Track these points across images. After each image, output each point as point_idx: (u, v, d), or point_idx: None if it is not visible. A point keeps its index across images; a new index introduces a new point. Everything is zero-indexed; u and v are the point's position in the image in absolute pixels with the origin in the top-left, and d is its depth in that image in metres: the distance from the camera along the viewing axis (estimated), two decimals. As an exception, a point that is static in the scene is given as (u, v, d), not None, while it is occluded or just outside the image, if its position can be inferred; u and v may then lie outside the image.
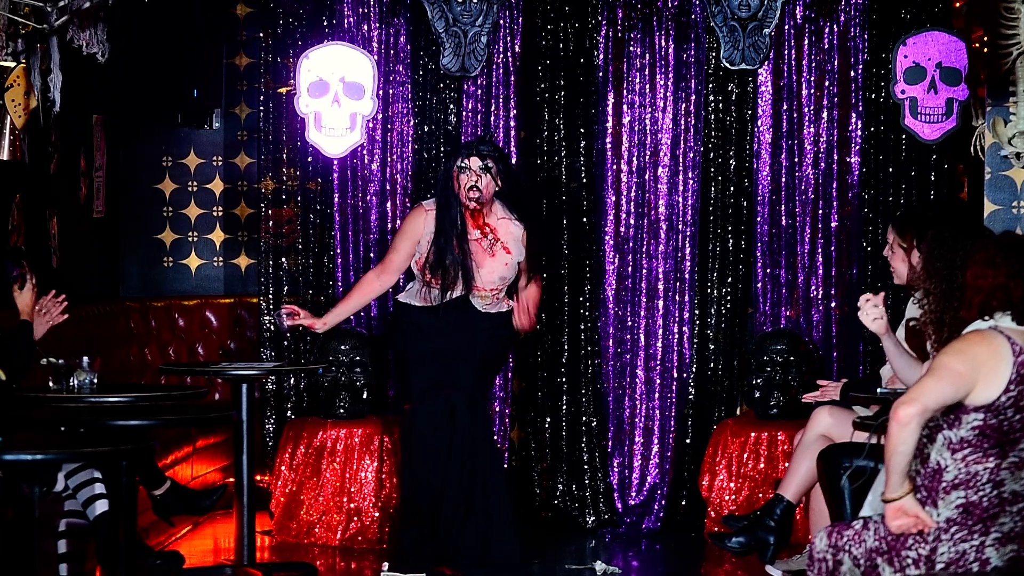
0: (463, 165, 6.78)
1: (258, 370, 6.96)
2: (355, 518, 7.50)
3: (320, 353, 7.82)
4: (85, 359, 6.01)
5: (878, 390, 5.61)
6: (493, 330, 6.96)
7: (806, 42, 8.04)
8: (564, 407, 8.05)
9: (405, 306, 6.99)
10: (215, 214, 9.20)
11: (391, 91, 8.15)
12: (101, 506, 5.51)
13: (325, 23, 8.08)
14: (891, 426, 4.21)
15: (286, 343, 8.04)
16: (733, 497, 7.48)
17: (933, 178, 7.86)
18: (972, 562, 4.16)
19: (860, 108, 7.98)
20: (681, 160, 8.08)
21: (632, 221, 8.10)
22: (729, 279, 8.06)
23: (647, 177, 8.10)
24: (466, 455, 6.85)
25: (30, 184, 7.55)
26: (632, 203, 8.10)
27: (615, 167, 8.12)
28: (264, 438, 8.13)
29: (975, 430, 4.15)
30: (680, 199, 8.08)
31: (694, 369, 8.03)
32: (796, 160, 8.04)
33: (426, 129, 8.12)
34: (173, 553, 6.36)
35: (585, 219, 8.08)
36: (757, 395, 7.73)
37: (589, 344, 8.07)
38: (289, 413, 8.16)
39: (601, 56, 8.10)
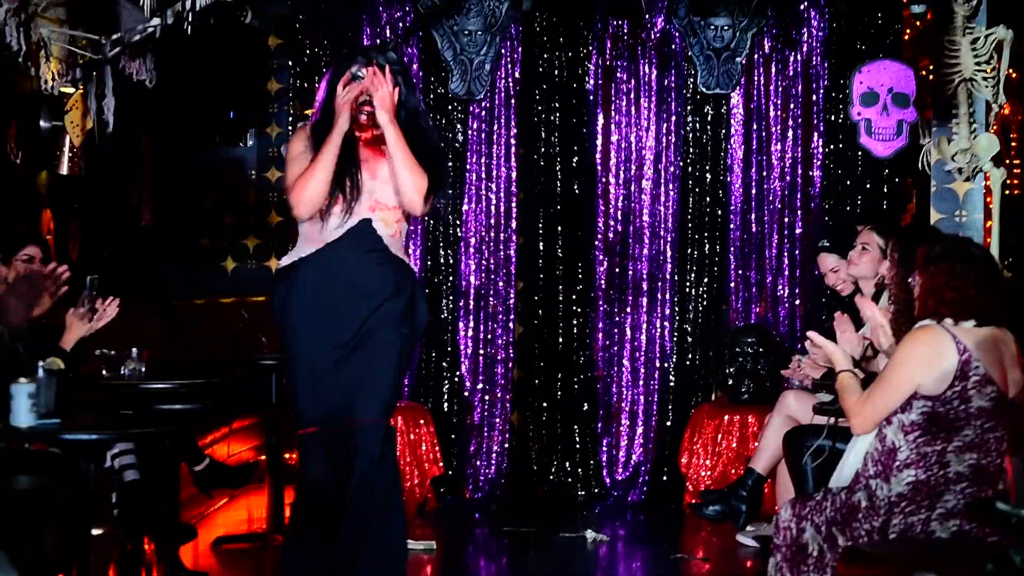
0: (358, 75, 4.94)
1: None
2: (373, 491, 7.51)
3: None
4: (134, 350, 6.01)
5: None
6: (403, 282, 4.97)
7: (773, 70, 8.05)
8: (558, 393, 8.07)
9: (291, 266, 4.95)
10: (249, 222, 9.22)
11: (405, 113, 8.14)
12: (131, 474, 5.51)
13: (346, 52, 8.08)
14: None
15: None
16: (709, 473, 7.50)
17: (886, 190, 7.89)
18: (919, 534, 4.16)
19: (821, 128, 8.00)
20: (663, 174, 8.09)
21: (619, 228, 8.11)
22: (705, 279, 8.08)
23: (632, 189, 8.11)
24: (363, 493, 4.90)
25: (86, 195, 7.58)
26: (619, 212, 8.11)
27: (604, 180, 8.13)
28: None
29: (924, 415, 4.16)
30: (662, 208, 8.09)
31: (674, 359, 8.05)
32: (765, 174, 8.06)
33: (436, 147, 8.11)
34: (186, 526, 6.33)
35: (577, 226, 8.10)
36: (730, 382, 7.75)
37: (581, 337, 8.08)
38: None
39: (592, 82, 8.11)
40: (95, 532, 5.41)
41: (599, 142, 8.13)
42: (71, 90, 6.88)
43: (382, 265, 4.92)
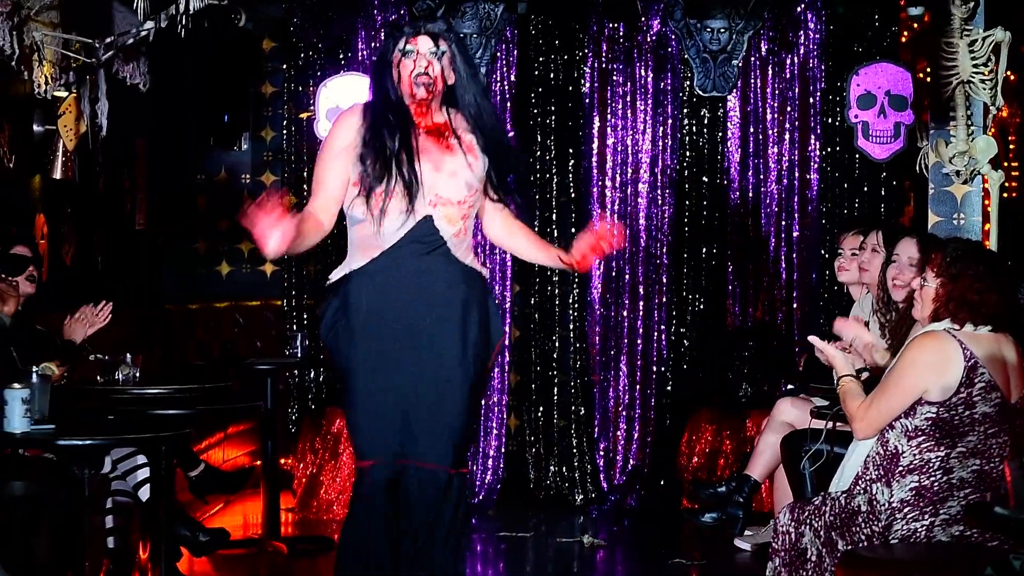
0: (407, 49, 4.36)
1: (281, 364, 6.99)
2: (368, 497, 7.49)
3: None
4: (128, 355, 6.01)
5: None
6: (472, 293, 4.37)
7: (770, 72, 8.05)
8: (555, 397, 8.06)
9: (344, 279, 4.39)
10: (244, 226, 9.20)
11: (400, 116, 8.13)
12: (149, 490, 5.52)
13: (341, 56, 8.08)
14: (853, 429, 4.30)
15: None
16: (707, 477, 7.49)
17: (883, 193, 7.89)
18: (922, 540, 4.16)
19: (818, 131, 8.00)
20: (659, 177, 8.09)
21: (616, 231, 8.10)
22: (703, 283, 8.08)
23: (629, 192, 8.12)
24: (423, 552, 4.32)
25: (80, 200, 7.57)
26: (615, 215, 8.11)
27: (600, 183, 8.13)
28: (288, 425, 8.14)
29: (928, 421, 4.16)
30: (658, 212, 8.09)
31: (671, 363, 8.05)
32: (762, 177, 8.06)
33: (431, 150, 8.10)
34: (220, 530, 6.32)
35: (573, 230, 8.08)
36: (728, 386, 7.75)
37: (577, 341, 8.08)
38: (310, 403, 8.18)
39: (587, 85, 8.11)
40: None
41: (595, 145, 8.13)
42: (64, 94, 6.88)
43: (449, 273, 4.33)
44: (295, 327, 8.14)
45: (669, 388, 8.05)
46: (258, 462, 7.48)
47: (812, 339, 4.63)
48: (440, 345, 4.28)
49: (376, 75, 4.43)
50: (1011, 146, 8.06)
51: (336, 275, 4.41)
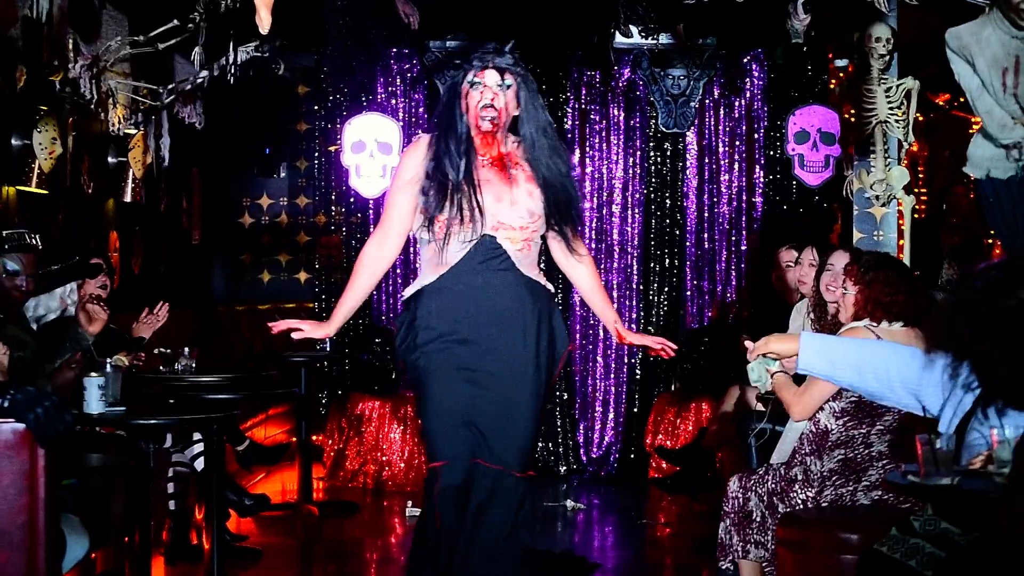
0: (475, 81, 3.85)
1: (313, 357, 7.00)
2: (386, 468, 7.52)
3: (362, 344, 7.86)
4: (186, 349, 6.00)
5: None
6: (537, 304, 3.89)
7: (721, 112, 8.10)
8: (542, 384, 8.08)
9: (415, 296, 3.90)
10: (282, 241, 9.24)
11: (413, 149, 8.15)
12: (203, 461, 5.54)
13: (363, 98, 8.12)
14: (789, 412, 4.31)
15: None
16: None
17: (816, 213, 7.94)
18: (847, 503, 4.17)
19: (762, 161, 8.04)
20: (629, 200, 8.13)
21: (593, 245, 8.13)
22: (666, 289, 8.10)
23: (604, 212, 8.15)
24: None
25: (146, 219, 7.60)
26: (593, 231, 8.14)
27: (580, 205, 8.16)
28: (319, 408, 8.16)
29: (852, 403, 4.17)
30: (629, 229, 8.13)
31: (639, 356, 8.07)
32: (715, 200, 8.10)
33: (439, 177, 8.12)
34: (262, 495, 6.34)
35: (558, 244, 8.11)
36: (687, 376, 7.77)
37: (561, 337, 8.09)
38: (337, 390, 8.20)
39: (570, 123, 8.14)
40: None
41: (576, 173, 8.11)
42: (134, 131, 6.91)
43: (513, 286, 3.85)
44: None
45: (638, 377, 8.07)
46: (294, 439, 7.49)
47: (746, 343, 4.62)
48: (507, 356, 3.82)
49: (446, 103, 3.91)
50: (920, 175, 8.11)
51: (409, 291, 3.94)
